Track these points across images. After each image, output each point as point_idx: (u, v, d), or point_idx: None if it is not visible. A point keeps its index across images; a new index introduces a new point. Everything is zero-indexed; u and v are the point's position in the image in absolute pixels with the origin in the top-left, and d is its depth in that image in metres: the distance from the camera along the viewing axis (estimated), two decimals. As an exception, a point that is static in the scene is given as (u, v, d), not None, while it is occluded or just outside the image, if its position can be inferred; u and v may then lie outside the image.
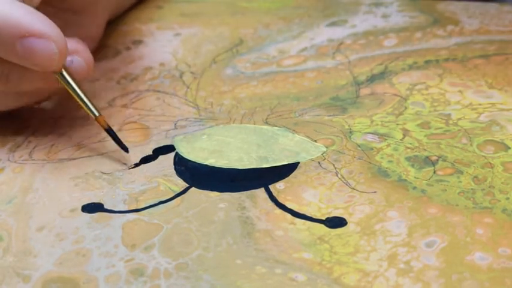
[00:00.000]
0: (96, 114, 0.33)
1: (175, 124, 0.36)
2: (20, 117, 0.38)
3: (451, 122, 0.34)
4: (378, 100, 0.36)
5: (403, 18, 0.45)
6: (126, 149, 0.33)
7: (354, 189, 0.30)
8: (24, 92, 0.35)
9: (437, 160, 0.32)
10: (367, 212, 0.29)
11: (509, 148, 0.32)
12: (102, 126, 0.33)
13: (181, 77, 0.40)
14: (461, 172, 0.31)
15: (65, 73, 0.33)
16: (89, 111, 0.33)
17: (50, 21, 0.32)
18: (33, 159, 0.34)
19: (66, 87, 0.33)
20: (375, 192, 0.30)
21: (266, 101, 0.37)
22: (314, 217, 0.29)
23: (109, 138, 0.34)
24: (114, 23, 0.46)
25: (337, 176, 0.31)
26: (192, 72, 0.40)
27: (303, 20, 0.45)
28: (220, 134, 0.35)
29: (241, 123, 0.35)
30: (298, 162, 0.32)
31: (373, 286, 0.26)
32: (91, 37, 0.40)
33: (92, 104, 0.33)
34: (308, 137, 0.34)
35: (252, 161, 0.32)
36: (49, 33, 0.31)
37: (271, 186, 0.31)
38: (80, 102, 0.33)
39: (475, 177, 0.31)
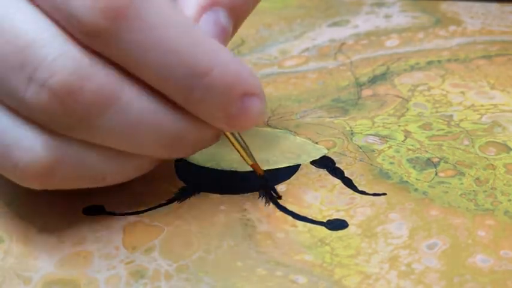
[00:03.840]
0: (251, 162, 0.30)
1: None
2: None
3: (452, 123, 0.34)
4: (380, 101, 0.36)
5: (405, 18, 0.44)
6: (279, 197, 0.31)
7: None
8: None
9: (439, 162, 0.32)
10: (368, 214, 0.29)
11: (511, 149, 0.32)
12: (257, 172, 0.30)
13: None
14: (463, 174, 0.31)
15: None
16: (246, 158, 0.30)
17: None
18: (34, 161, 0.34)
19: (230, 137, 0.30)
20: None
21: (267, 102, 0.37)
22: (315, 219, 0.29)
23: None
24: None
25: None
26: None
27: (304, 20, 0.45)
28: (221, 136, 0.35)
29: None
30: (300, 164, 0.32)
31: (374, 289, 0.26)
32: None
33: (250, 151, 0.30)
34: (309, 139, 0.34)
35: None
36: (262, 92, 0.28)
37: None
38: (240, 150, 0.30)
39: (477, 179, 0.30)
